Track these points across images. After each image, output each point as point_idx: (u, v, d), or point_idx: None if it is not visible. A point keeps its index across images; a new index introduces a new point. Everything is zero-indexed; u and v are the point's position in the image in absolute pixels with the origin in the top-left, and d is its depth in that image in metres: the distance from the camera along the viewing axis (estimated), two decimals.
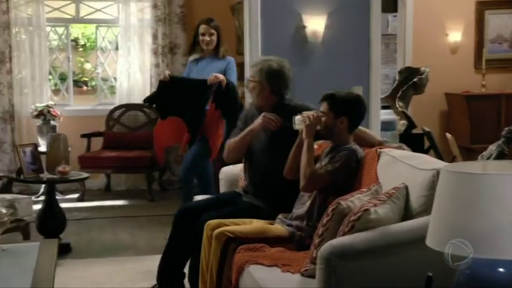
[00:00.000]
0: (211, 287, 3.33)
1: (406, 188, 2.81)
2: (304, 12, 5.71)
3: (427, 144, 5.09)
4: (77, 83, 9.55)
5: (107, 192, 7.66)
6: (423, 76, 3.86)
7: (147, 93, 7.82)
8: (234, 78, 5.31)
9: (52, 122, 7.23)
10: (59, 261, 4.79)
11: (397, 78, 4.00)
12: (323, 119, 3.42)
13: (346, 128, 3.40)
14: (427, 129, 4.03)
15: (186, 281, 3.87)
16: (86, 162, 7.00)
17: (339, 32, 5.79)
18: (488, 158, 3.75)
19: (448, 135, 4.09)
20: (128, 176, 7.79)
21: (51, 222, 5.13)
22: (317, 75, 5.77)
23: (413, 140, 3.94)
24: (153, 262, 4.17)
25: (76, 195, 7.20)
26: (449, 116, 8.28)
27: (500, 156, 3.72)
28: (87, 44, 9.13)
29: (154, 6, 7.76)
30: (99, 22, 8.11)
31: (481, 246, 2.00)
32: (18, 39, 7.64)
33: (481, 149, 4.47)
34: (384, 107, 7.40)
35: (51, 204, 5.15)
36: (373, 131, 5.84)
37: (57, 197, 7.00)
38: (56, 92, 8.16)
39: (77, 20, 8.15)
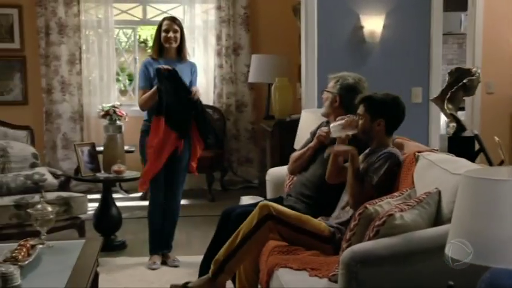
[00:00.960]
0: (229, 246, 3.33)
1: (439, 193, 2.72)
2: (362, 12, 5.63)
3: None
4: None
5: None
6: (474, 77, 3.72)
7: (211, 94, 7.94)
8: (196, 86, 4.96)
9: (118, 122, 7.37)
10: (112, 259, 4.97)
11: (447, 79, 3.87)
12: (360, 122, 3.36)
13: (383, 130, 3.36)
14: (475, 132, 3.89)
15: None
16: None
17: (398, 32, 5.69)
18: None
19: (496, 138, 3.94)
20: (191, 176, 7.84)
21: (107, 220, 5.26)
22: (374, 76, 5.62)
23: (463, 143, 3.81)
24: None
25: (139, 194, 7.34)
26: None
27: None
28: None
29: (219, 8, 7.83)
30: None
31: (499, 255, 1.92)
32: (88, 41, 7.87)
33: None
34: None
35: (107, 202, 5.28)
36: (433, 133, 5.71)
37: (121, 196, 7.29)
38: (123, 92, 8.36)
39: (144, 22, 8.30)
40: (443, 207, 2.67)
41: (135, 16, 8.14)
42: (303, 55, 5.77)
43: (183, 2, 7.96)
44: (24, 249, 3.27)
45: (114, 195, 7.26)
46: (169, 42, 4.76)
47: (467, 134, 3.82)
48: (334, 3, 5.62)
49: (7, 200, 4.67)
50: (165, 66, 4.59)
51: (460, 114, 7.04)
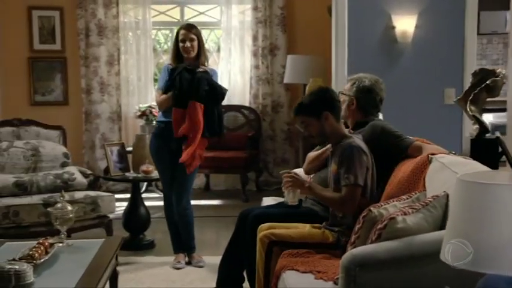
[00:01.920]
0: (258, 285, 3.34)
1: (447, 196, 2.66)
2: (394, 12, 5.56)
3: None
4: None
5: (206, 191, 7.83)
6: (498, 78, 3.62)
7: (247, 95, 7.95)
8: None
9: (154, 122, 7.47)
10: (139, 258, 5.03)
11: (471, 80, 3.78)
12: (307, 133, 3.52)
13: (333, 120, 3.40)
14: (497, 134, 3.79)
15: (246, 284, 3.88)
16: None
17: (430, 32, 5.60)
18: None
19: None
20: (227, 176, 7.92)
21: (136, 219, 5.32)
22: (406, 77, 5.61)
23: (486, 146, 3.71)
24: None
25: None
26: None
27: None
28: None
29: (255, 9, 7.84)
30: (202, 25, 8.25)
31: (492, 261, 1.87)
32: (126, 42, 7.98)
33: None
34: (498, 110, 7.11)
35: (135, 202, 5.34)
36: (466, 135, 5.58)
37: (156, 195, 7.36)
38: None
39: (182, 23, 8.34)
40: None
41: (172, 17, 8.21)
42: (333, 55, 5.73)
43: (220, 2, 7.99)
44: (42, 248, 3.33)
45: (150, 195, 7.45)
46: (186, 52, 4.68)
47: (490, 136, 3.73)
48: (365, 3, 5.57)
49: (36, 199, 4.77)
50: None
51: (501, 116, 6.90)
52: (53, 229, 4.45)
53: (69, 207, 3.69)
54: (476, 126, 3.76)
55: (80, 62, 7.84)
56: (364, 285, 2.36)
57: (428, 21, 5.57)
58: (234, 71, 7.97)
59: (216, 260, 4.84)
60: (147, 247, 5.32)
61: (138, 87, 7.97)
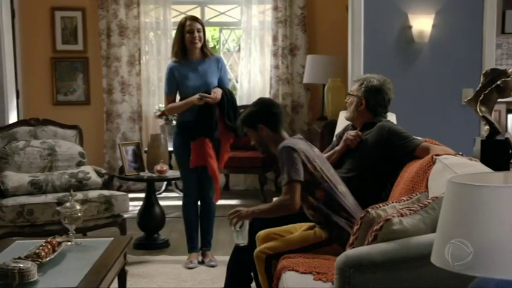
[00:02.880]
0: None
1: None
2: (410, 11, 5.51)
3: None
4: None
5: (226, 191, 7.83)
6: (509, 79, 3.56)
7: (267, 95, 7.93)
8: (227, 79, 5.00)
9: (174, 122, 7.51)
10: (152, 257, 5.05)
11: (482, 80, 3.72)
12: (252, 143, 3.56)
13: (268, 131, 3.46)
14: (507, 135, 3.73)
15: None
16: None
17: (448, 32, 5.56)
18: None
19: None
20: (247, 176, 7.93)
21: (150, 219, 5.35)
22: (423, 77, 5.57)
23: (497, 147, 3.65)
24: None
25: None
26: None
27: None
28: (216, 47, 9.38)
29: (275, 8, 7.82)
30: (222, 25, 8.32)
31: (481, 264, 1.84)
32: (147, 42, 8.03)
33: None
34: None
35: (150, 201, 5.36)
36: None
37: (176, 194, 7.40)
38: None
39: None
40: None
41: None
42: (349, 55, 5.70)
43: (240, 2, 8.00)
44: (49, 246, 3.36)
45: (170, 195, 7.49)
46: (194, 43, 4.66)
47: (500, 137, 3.67)
48: (381, 2, 5.55)
49: (50, 197, 4.82)
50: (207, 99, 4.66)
51: None
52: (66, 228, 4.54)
53: (78, 207, 3.73)
54: (487, 127, 3.71)
55: (102, 62, 7.91)
56: (359, 287, 2.34)
57: (446, 21, 5.52)
58: (254, 71, 7.97)
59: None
60: (162, 246, 5.35)
61: (159, 87, 8.00)
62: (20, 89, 7.66)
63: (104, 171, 5.35)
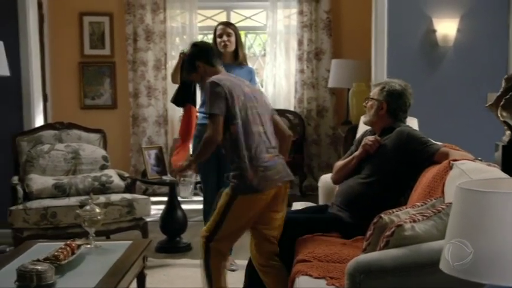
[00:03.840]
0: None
1: None
2: (435, 15, 5.46)
3: None
4: None
5: None
6: None
7: (292, 99, 7.93)
8: None
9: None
10: (173, 260, 5.08)
11: (503, 85, 3.67)
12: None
13: (205, 66, 3.77)
14: None
15: None
16: None
17: (473, 36, 5.50)
18: None
19: None
20: None
21: (172, 222, 5.38)
22: (448, 81, 5.52)
23: None
24: None
25: None
26: None
27: None
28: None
29: (301, 13, 7.82)
30: (248, 29, 8.33)
31: (489, 271, 1.82)
32: (173, 47, 8.07)
33: None
34: None
35: (172, 205, 5.39)
36: None
37: (200, 198, 7.41)
38: None
39: None
40: None
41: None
42: (372, 59, 5.67)
43: (265, 7, 8.01)
44: (68, 249, 3.40)
45: (195, 198, 7.51)
46: (224, 47, 4.82)
47: None
48: (405, 6, 5.50)
49: (73, 200, 4.87)
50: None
51: None
52: None
53: (98, 210, 3.76)
54: (509, 132, 3.66)
55: (128, 67, 7.98)
56: None
57: (471, 25, 5.46)
58: (279, 75, 7.97)
59: None
60: (184, 250, 5.37)
61: None
62: (48, 93, 7.78)
63: (126, 174, 5.39)
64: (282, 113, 7.74)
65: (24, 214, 4.76)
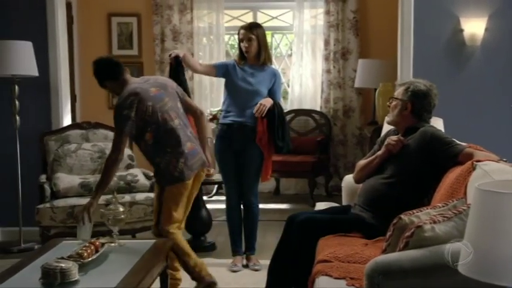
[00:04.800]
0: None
1: None
2: (462, 14, 5.40)
3: None
4: None
5: (276, 195, 7.84)
6: None
7: (318, 99, 7.91)
8: (280, 94, 5.04)
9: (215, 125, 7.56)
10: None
11: None
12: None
13: (112, 82, 4.09)
14: None
15: None
16: None
17: (501, 35, 5.43)
18: None
19: None
20: (298, 180, 7.91)
21: (197, 221, 5.40)
22: (475, 80, 5.46)
23: None
24: None
25: None
26: None
27: None
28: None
29: (327, 13, 7.80)
30: (274, 29, 8.34)
31: (507, 273, 1.80)
32: (200, 47, 8.11)
33: None
34: None
35: (197, 204, 5.40)
36: None
37: (224, 198, 7.44)
38: None
39: None
40: None
41: (245, 22, 8.25)
42: (398, 59, 5.63)
43: (292, 7, 8.00)
44: (92, 247, 3.44)
45: (220, 198, 7.53)
46: (245, 51, 4.83)
47: None
48: (431, 5, 5.45)
49: (99, 199, 4.90)
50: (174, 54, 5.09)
51: None
52: None
53: (121, 208, 3.79)
54: None
55: (155, 67, 8.03)
56: None
57: (499, 24, 5.40)
58: (306, 75, 7.96)
59: None
60: (208, 249, 5.39)
61: (211, 91, 8.08)
62: (77, 93, 7.86)
63: (152, 174, 5.41)
64: (308, 112, 7.77)
65: (51, 212, 4.83)
